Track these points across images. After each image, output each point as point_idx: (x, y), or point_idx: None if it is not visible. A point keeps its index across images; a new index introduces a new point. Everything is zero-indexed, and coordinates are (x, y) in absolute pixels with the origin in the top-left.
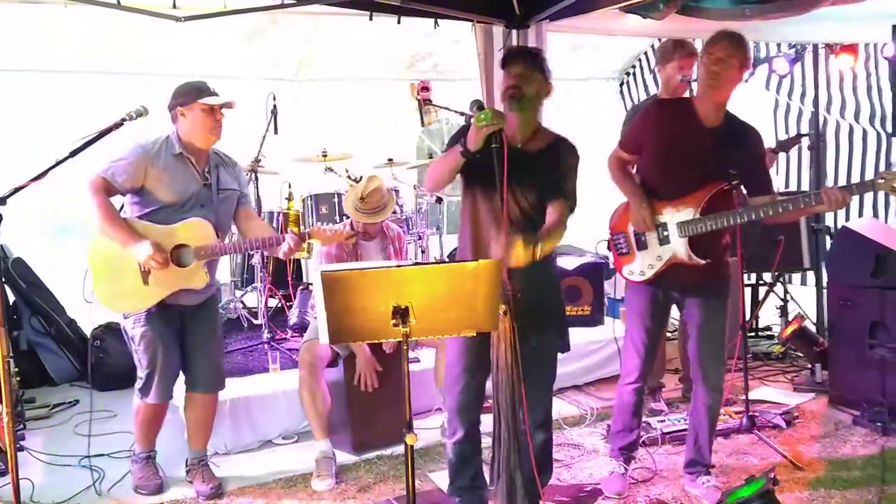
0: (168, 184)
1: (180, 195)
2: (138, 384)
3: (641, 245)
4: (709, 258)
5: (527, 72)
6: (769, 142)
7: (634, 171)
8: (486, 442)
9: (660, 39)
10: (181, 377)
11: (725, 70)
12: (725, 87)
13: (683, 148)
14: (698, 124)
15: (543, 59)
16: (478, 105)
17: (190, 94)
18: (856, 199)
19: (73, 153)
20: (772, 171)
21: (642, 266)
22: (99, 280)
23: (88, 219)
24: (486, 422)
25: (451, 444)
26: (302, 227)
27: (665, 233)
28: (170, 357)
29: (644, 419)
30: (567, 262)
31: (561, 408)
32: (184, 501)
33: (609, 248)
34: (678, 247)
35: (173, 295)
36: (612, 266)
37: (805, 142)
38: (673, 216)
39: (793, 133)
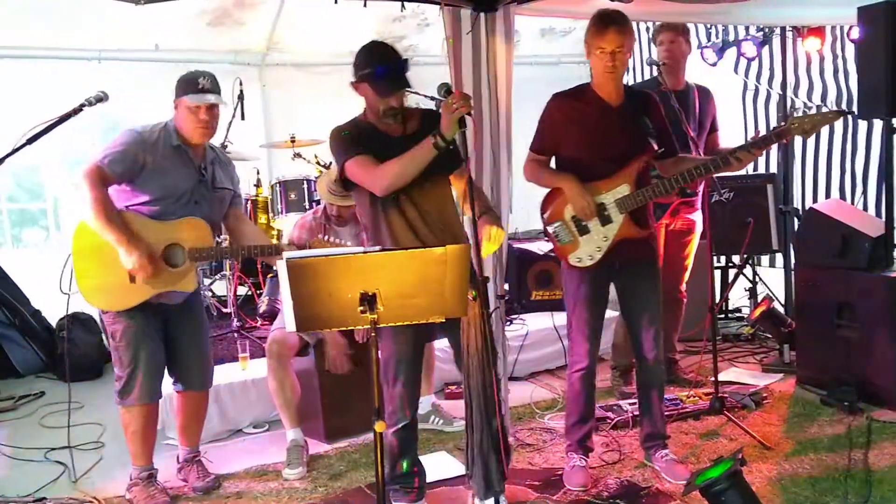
0: (164, 176)
1: (175, 188)
2: (117, 387)
3: (583, 230)
4: (648, 229)
5: None
6: (737, 125)
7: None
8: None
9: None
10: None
11: (619, 59)
12: (621, 72)
13: (599, 131)
14: (604, 105)
15: None
16: (446, 89)
17: (181, 86)
18: (822, 181)
19: (31, 140)
20: None
21: (590, 250)
22: (82, 270)
23: (83, 209)
24: (459, 407)
25: (392, 433)
26: (271, 214)
27: (606, 212)
28: (154, 353)
29: (615, 401)
30: (538, 247)
31: (533, 392)
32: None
33: (549, 240)
34: (622, 223)
35: (159, 294)
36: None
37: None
38: (610, 195)
39: (761, 116)
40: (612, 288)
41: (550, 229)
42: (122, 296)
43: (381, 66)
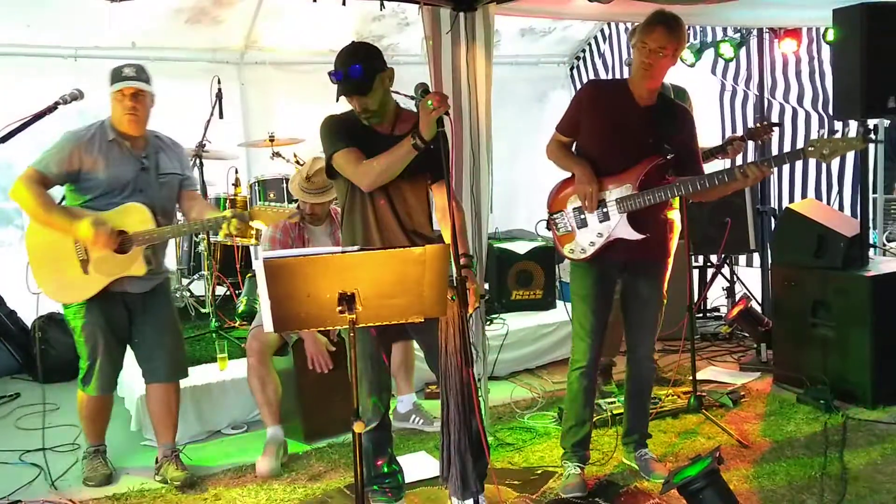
0: (103, 170)
1: (116, 181)
2: (80, 375)
3: (581, 223)
4: (647, 233)
5: None
6: (715, 127)
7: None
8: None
9: (608, 23)
10: (139, 370)
11: (658, 60)
12: (658, 76)
13: (620, 126)
14: (634, 103)
15: None
16: (423, 89)
17: (110, 79)
18: (799, 181)
19: (4, 138)
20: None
21: (583, 244)
22: (39, 272)
23: (25, 212)
24: (438, 407)
25: (366, 434)
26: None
27: (605, 210)
28: (111, 348)
29: (595, 400)
30: (518, 247)
31: (513, 391)
32: (128, 494)
33: (549, 228)
34: (618, 223)
35: (117, 282)
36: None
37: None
38: (611, 193)
39: (738, 117)
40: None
41: (552, 216)
42: (79, 288)
43: (336, 70)
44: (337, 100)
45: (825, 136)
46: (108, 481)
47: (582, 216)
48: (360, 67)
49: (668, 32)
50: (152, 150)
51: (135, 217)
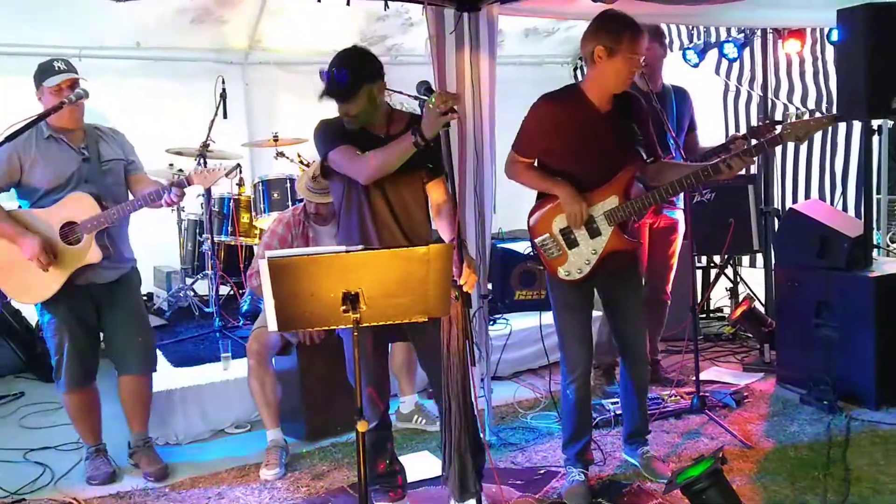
0: (45, 167)
1: (60, 176)
2: (53, 373)
3: (572, 243)
4: (635, 238)
5: None
6: (719, 126)
7: None
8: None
9: None
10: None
11: (637, 68)
12: (630, 82)
13: (589, 139)
14: (596, 112)
15: None
16: (426, 87)
17: (37, 77)
18: (802, 182)
19: (10, 138)
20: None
21: (579, 264)
22: (2, 277)
23: None
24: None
25: (368, 433)
26: (254, 213)
27: (594, 225)
28: (78, 341)
29: (598, 401)
30: (522, 247)
31: (516, 391)
32: (132, 492)
33: (536, 254)
34: (610, 236)
35: (82, 275)
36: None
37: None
38: (599, 207)
39: (742, 117)
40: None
41: (538, 242)
42: (42, 287)
43: (325, 70)
44: (319, 99)
45: (795, 118)
46: (112, 479)
47: (571, 236)
48: (346, 74)
49: (647, 39)
50: (91, 141)
51: (80, 205)
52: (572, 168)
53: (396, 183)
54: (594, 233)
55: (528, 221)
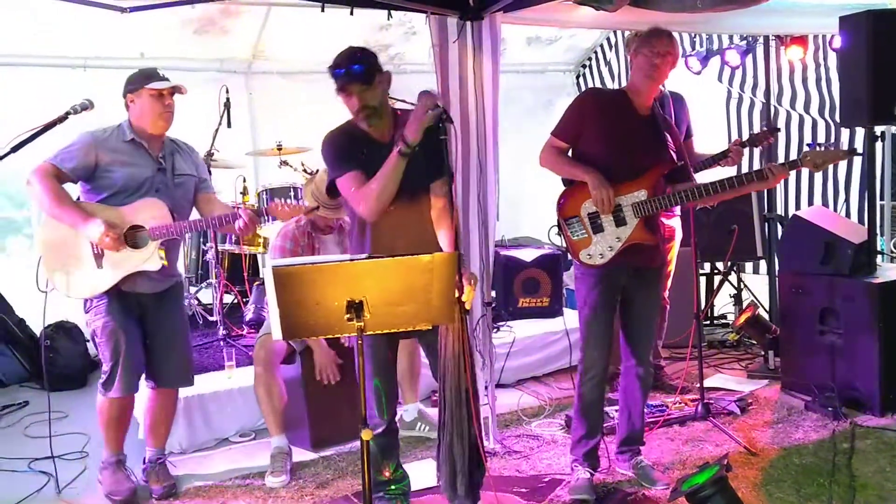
0: (120, 168)
1: (133, 180)
2: (102, 379)
3: (597, 228)
4: (657, 235)
5: None
6: (722, 134)
7: None
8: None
9: (614, 31)
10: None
11: (664, 64)
12: (661, 80)
13: (626, 134)
14: (635, 113)
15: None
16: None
17: (138, 80)
18: (806, 188)
19: (16, 148)
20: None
21: (602, 248)
22: (51, 267)
23: (37, 205)
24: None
25: (373, 440)
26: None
27: (621, 214)
28: (132, 348)
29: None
30: (525, 254)
31: (520, 399)
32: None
33: (561, 234)
34: (635, 227)
35: (130, 282)
36: (566, 253)
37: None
38: (627, 198)
39: (745, 124)
40: None
41: (566, 222)
42: (90, 282)
43: (336, 67)
44: (337, 92)
45: (818, 150)
46: (134, 495)
47: (598, 221)
48: (361, 61)
49: (670, 40)
50: (168, 152)
51: (152, 212)
52: (606, 159)
53: (402, 202)
54: (620, 221)
55: (558, 202)
